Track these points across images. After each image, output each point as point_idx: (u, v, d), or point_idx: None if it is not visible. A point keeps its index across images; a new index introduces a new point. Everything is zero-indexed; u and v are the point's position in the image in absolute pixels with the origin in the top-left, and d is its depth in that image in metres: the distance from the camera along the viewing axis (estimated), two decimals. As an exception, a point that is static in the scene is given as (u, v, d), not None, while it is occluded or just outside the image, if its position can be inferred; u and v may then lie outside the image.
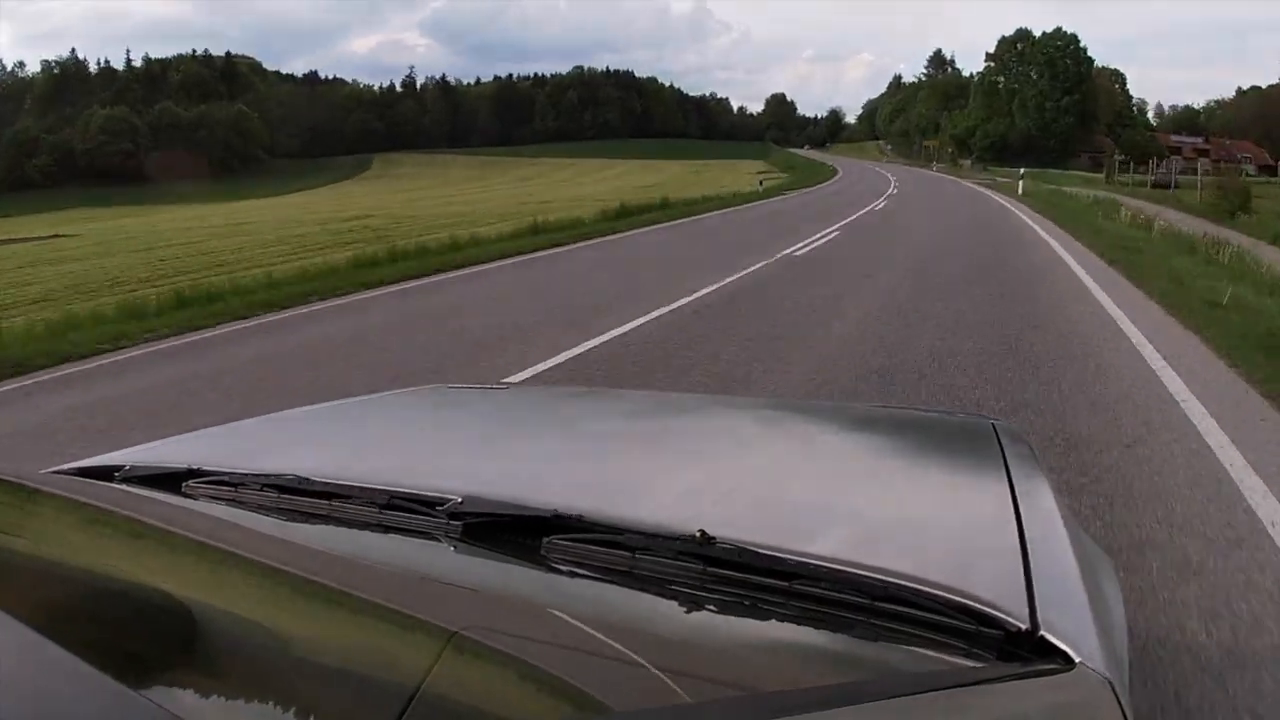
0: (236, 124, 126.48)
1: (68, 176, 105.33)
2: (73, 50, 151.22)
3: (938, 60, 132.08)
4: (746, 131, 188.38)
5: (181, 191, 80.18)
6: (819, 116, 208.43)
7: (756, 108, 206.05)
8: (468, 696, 0.60)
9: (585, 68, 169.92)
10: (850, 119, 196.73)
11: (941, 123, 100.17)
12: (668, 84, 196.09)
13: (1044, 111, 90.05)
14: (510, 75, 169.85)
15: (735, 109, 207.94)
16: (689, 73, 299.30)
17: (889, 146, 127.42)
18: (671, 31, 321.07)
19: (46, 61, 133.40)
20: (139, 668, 0.56)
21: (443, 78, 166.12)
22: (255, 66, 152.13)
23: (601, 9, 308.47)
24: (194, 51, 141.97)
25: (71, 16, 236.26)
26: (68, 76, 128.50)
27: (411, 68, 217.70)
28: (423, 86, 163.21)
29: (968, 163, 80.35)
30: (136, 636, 0.66)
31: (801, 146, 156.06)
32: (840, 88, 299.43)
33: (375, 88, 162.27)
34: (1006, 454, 1.24)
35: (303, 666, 0.64)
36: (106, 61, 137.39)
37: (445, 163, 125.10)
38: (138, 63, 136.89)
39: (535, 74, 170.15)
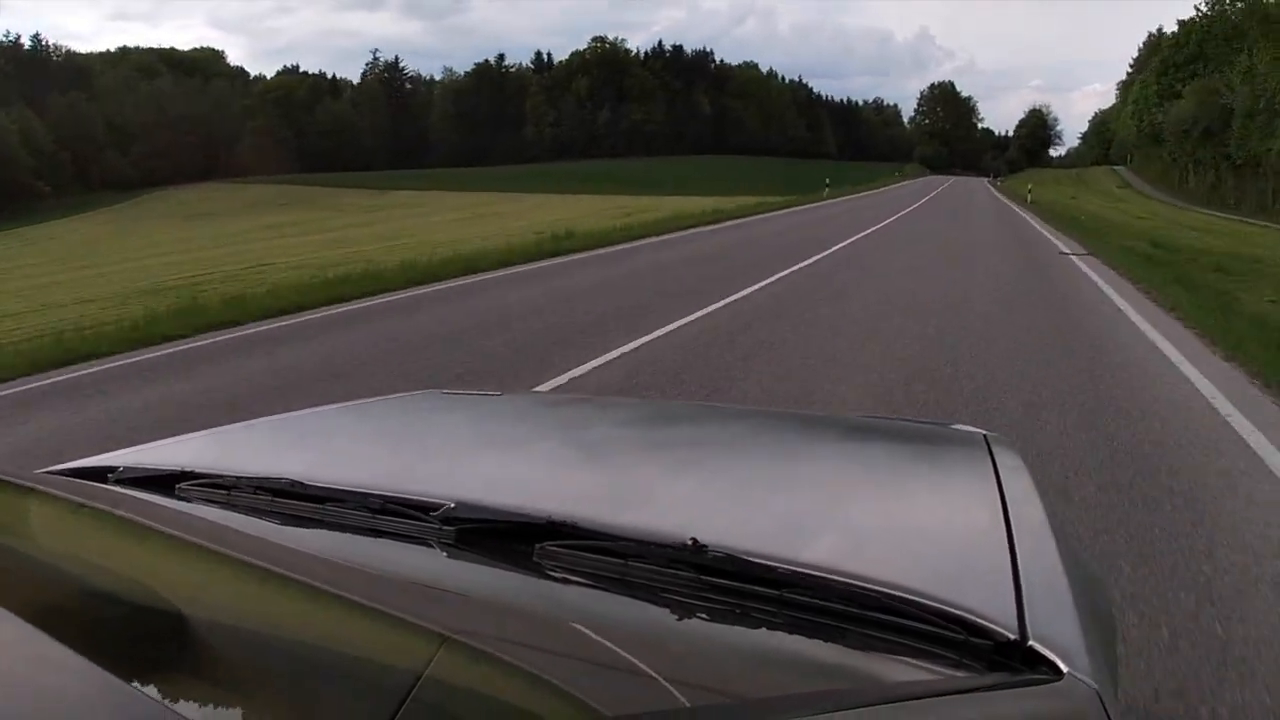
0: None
1: None
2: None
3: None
4: (903, 151, 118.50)
5: None
6: (1005, 134, 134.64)
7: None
8: (459, 701, 0.61)
9: (612, 40, 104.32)
10: (1072, 139, 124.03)
11: None
12: (787, 78, 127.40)
13: None
14: (502, 57, 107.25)
15: (907, 120, 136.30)
16: (908, 99, 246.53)
17: (1124, 169, 56.01)
18: (894, 59, 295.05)
19: None
20: (129, 668, 0.56)
21: (394, 62, 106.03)
22: (120, 55, 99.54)
23: (823, 35, 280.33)
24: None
25: (302, 34, 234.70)
26: None
27: (375, 52, 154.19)
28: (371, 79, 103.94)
29: None
30: (127, 637, 0.66)
31: (992, 175, 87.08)
32: (1067, 122, 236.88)
33: (311, 75, 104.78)
34: (998, 465, 1.25)
35: (293, 670, 0.64)
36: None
37: (228, 199, 64.86)
38: None
39: (539, 53, 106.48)
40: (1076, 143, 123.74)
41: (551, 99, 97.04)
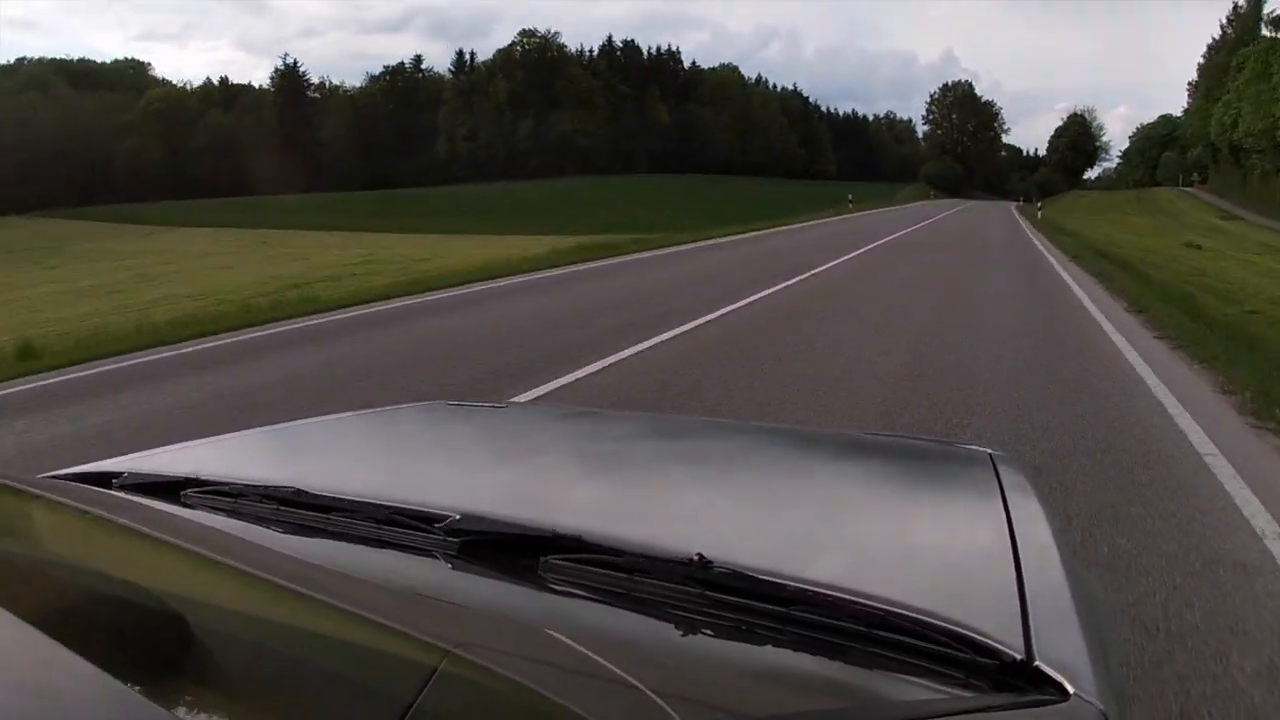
0: None
1: None
2: None
3: None
4: (915, 170, 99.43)
5: None
6: (1034, 153, 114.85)
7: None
8: (461, 714, 0.61)
9: (544, 33, 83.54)
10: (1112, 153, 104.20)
11: None
12: (778, 85, 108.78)
13: None
14: (419, 59, 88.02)
15: (922, 134, 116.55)
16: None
17: (1199, 190, 46.22)
18: (917, 81, 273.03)
19: None
20: (132, 673, 0.57)
21: (292, 66, 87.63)
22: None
23: (845, 58, 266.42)
24: None
25: (329, 56, 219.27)
26: None
27: (284, 56, 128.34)
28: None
29: None
30: (131, 643, 0.67)
31: (1021, 199, 68.29)
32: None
33: (200, 84, 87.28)
34: (1004, 484, 1.24)
35: (295, 679, 0.65)
36: None
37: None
38: None
39: (460, 51, 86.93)
40: (1112, 164, 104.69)
41: (468, 107, 78.69)
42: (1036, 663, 0.74)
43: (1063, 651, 0.77)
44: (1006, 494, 1.18)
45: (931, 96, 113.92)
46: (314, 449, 1.56)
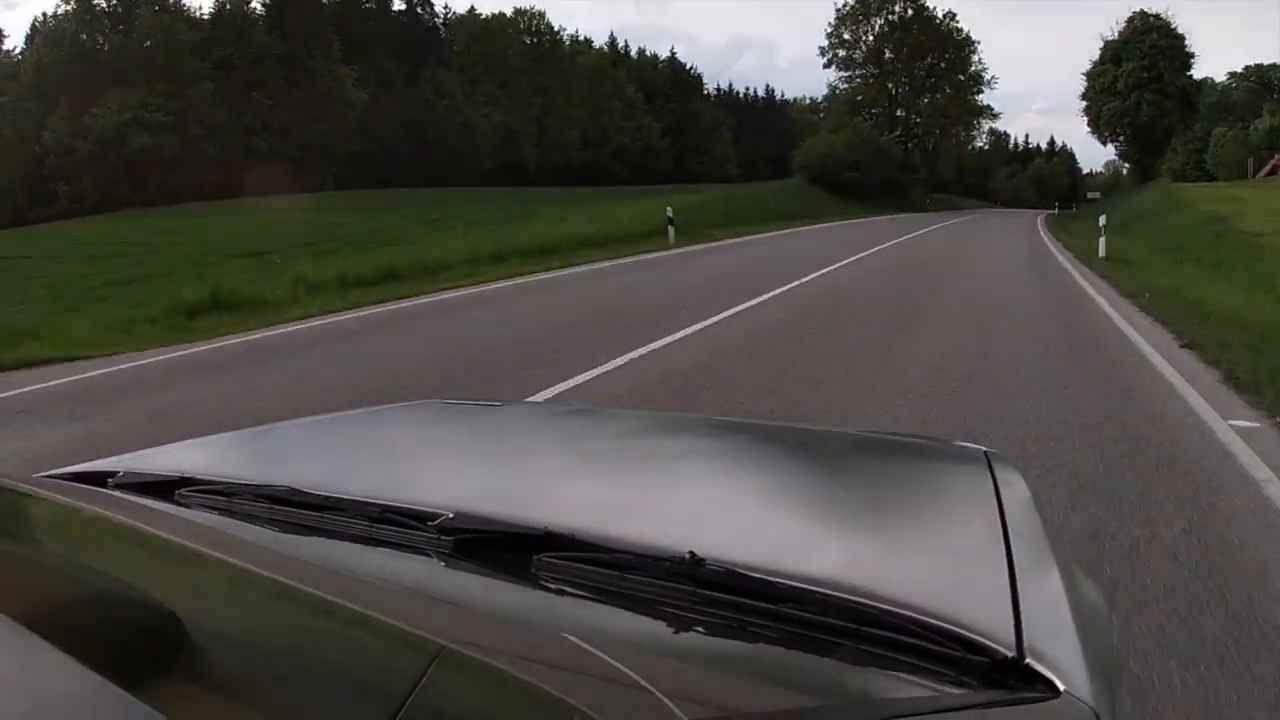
0: None
1: None
2: None
3: None
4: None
5: None
6: (1038, 146, 78.24)
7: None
8: (454, 712, 0.61)
9: None
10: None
11: None
12: (634, 48, 77.10)
13: None
14: None
15: (826, 90, 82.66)
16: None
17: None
18: None
19: None
20: (126, 674, 0.57)
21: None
22: None
23: (817, 65, 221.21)
24: None
25: None
26: None
27: None
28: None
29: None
30: (125, 643, 0.67)
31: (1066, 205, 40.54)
32: (1073, 144, 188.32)
33: None
34: (998, 482, 1.25)
35: (289, 677, 0.65)
36: None
37: None
38: None
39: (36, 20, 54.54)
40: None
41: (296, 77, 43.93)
42: (1027, 660, 0.74)
43: (1054, 649, 0.77)
44: (1000, 492, 1.18)
45: (838, 10, 63.14)
46: (308, 448, 1.57)
